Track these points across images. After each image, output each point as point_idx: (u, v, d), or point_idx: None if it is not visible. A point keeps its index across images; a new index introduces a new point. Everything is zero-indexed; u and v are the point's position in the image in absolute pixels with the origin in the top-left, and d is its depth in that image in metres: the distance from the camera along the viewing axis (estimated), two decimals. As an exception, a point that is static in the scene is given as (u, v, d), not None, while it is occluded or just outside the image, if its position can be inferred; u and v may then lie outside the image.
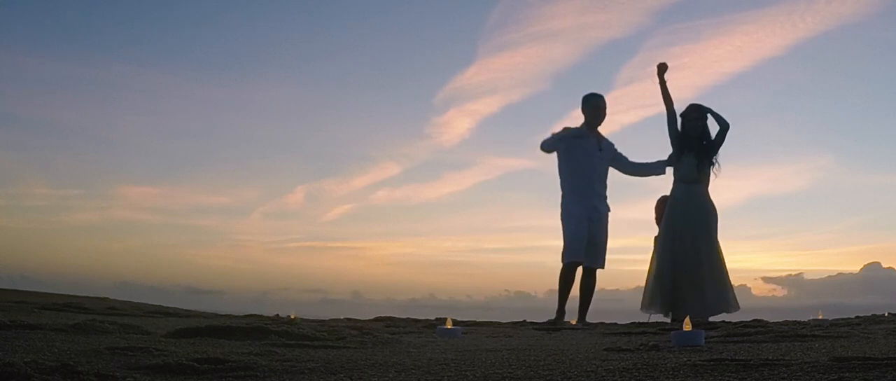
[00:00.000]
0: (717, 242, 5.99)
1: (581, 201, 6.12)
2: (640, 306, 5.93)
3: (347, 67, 13.56)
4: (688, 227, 5.87)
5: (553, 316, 5.81)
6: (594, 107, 6.32)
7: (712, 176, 6.13)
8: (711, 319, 5.36)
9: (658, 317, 5.67)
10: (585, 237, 6.03)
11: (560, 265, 6.13)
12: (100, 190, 13.82)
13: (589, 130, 6.24)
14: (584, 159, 6.22)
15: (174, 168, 14.10)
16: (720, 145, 6.11)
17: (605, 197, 6.37)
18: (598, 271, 6.17)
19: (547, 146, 6.19)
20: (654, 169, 6.39)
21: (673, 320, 5.50)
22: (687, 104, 6.24)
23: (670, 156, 6.27)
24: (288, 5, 13.17)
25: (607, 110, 6.45)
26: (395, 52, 13.33)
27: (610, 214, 6.32)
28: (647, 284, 6.00)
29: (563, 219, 6.17)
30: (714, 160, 6.12)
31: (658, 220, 6.14)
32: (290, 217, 14.19)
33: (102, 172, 13.80)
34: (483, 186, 13.74)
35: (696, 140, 6.05)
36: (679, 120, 6.15)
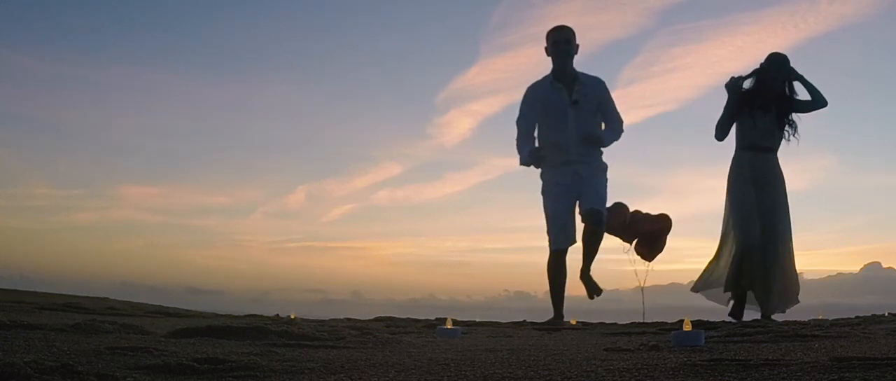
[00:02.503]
0: (790, 224, 5.11)
1: (557, 171, 5.05)
2: (695, 286, 5.19)
3: (349, 67, 13.60)
4: (769, 205, 4.97)
5: (552, 316, 5.07)
6: (554, 43, 5.03)
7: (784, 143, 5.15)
8: (782, 315, 4.83)
9: (717, 298, 5.03)
10: (570, 216, 5.03)
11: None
12: (100, 190, 13.85)
13: (556, 79, 5.02)
14: (553, 120, 5.04)
15: (174, 168, 14.14)
16: (803, 112, 5.08)
17: (594, 160, 5.08)
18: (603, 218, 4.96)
19: (523, 161, 5.08)
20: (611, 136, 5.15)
21: (735, 310, 4.90)
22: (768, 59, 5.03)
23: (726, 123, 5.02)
24: (289, 5, 13.20)
25: (576, 42, 5.05)
26: (397, 52, 13.35)
27: (607, 171, 5.10)
28: (712, 265, 5.15)
29: (542, 196, 5.14)
30: (794, 123, 5.10)
31: (623, 233, 5.24)
32: (291, 217, 14.22)
33: (103, 173, 13.83)
34: (484, 187, 13.77)
35: (777, 97, 5.03)
36: (749, 78, 5.04)
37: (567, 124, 5.01)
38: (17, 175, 14.09)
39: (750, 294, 4.99)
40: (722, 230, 5.21)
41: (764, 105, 5.03)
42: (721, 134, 5.12)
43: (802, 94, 5.09)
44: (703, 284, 5.20)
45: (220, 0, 13.42)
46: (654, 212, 5.44)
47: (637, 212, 5.36)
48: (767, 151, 5.04)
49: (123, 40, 13.60)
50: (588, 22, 11.89)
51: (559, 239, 5.01)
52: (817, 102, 5.05)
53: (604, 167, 5.17)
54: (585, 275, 5.07)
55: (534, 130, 5.17)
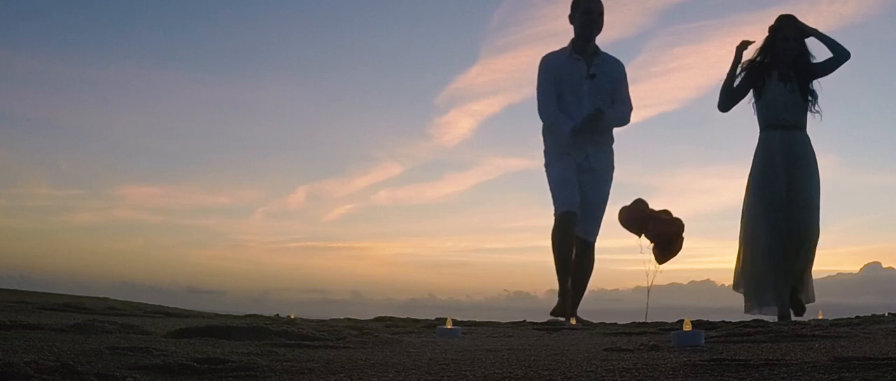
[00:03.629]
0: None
1: (567, 146, 4.63)
2: (734, 285, 4.76)
3: (349, 67, 13.60)
4: (795, 191, 4.47)
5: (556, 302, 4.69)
6: (584, 12, 4.69)
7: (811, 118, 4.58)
8: (795, 318, 4.41)
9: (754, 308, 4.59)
10: (574, 177, 4.58)
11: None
12: (100, 190, 13.85)
13: (577, 50, 4.67)
14: (568, 93, 4.68)
15: (175, 168, 14.14)
16: (826, 75, 4.55)
17: (608, 145, 4.75)
18: (595, 247, 4.69)
19: (563, 138, 4.60)
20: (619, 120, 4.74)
21: (791, 308, 4.46)
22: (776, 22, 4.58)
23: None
24: (289, 5, 13.20)
25: (604, 19, 4.72)
26: (398, 52, 13.35)
27: (613, 172, 4.74)
28: (738, 266, 4.73)
29: (546, 169, 4.74)
30: (815, 92, 4.58)
31: (637, 229, 4.93)
32: (291, 217, 14.22)
33: (103, 173, 13.83)
34: (484, 187, 13.77)
35: (793, 64, 4.51)
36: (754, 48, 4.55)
37: (582, 99, 4.65)
38: (17, 175, 14.10)
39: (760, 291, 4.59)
40: (741, 224, 4.75)
41: (782, 74, 4.53)
42: (723, 101, 4.67)
43: (820, 54, 4.59)
44: (738, 281, 4.78)
45: (220, 0, 13.41)
46: (666, 214, 5.20)
47: (652, 211, 5.13)
48: (795, 127, 4.52)
49: (123, 40, 13.61)
50: (589, 22, 11.88)
51: (568, 200, 4.56)
52: (839, 54, 4.52)
53: (612, 164, 4.79)
54: (573, 315, 4.68)
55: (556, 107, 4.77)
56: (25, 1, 12.43)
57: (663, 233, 5.01)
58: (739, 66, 4.66)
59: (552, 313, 4.83)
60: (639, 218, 5.06)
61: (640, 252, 5.11)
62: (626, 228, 5.07)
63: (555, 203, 4.67)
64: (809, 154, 4.58)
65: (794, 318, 4.51)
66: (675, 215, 5.16)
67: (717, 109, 4.76)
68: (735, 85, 4.67)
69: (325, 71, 14.01)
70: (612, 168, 4.82)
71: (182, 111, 14.23)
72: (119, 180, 14.43)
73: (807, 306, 4.60)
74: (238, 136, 14.39)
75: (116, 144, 14.30)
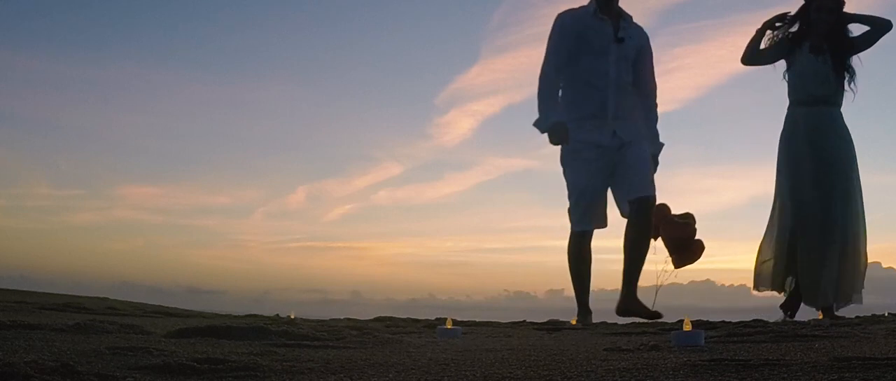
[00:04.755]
0: (861, 198, 4.19)
1: (591, 129, 3.93)
2: (752, 285, 4.42)
3: (349, 67, 13.56)
4: (822, 173, 4.13)
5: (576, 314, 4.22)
6: None
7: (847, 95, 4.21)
8: (837, 312, 4.16)
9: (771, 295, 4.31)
10: (602, 190, 3.96)
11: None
12: (100, 190, 13.83)
13: (602, 9, 3.99)
14: (592, 57, 3.97)
15: (175, 168, 14.10)
16: (868, 47, 4.19)
17: (639, 122, 4.06)
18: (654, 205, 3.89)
19: (544, 128, 3.96)
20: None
21: (788, 302, 4.24)
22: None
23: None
24: (289, 5, 13.17)
25: None
26: (398, 52, 13.32)
27: (655, 152, 4.03)
28: (759, 254, 4.41)
29: (562, 165, 4.07)
30: (853, 68, 4.22)
31: (667, 242, 4.14)
32: (291, 217, 14.19)
33: (103, 173, 13.81)
34: (484, 187, 13.74)
35: (826, 37, 4.17)
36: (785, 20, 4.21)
37: (608, 65, 3.96)
38: (17, 175, 14.08)
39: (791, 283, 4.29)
40: (771, 207, 4.40)
41: (815, 45, 4.17)
42: (746, 54, 4.31)
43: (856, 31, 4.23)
44: (759, 278, 4.42)
45: (220, 0, 13.40)
46: (683, 218, 4.84)
47: (667, 215, 4.89)
48: (826, 102, 4.15)
49: (123, 40, 13.56)
50: (589, 22, 11.87)
51: (585, 218, 3.98)
52: (880, 26, 4.15)
53: (643, 132, 4.11)
54: (632, 299, 3.94)
55: (561, 75, 4.07)
56: (25, 1, 12.42)
57: (673, 237, 4.82)
58: (772, 31, 4.31)
59: (576, 322, 4.37)
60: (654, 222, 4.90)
61: (653, 253, 4.90)
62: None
63: (571, 215, 4.10)
64: (840, 132, 4.17)
65: (790, 318, 4.33)
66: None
67: (740, 62, 4.43)
68: (762, 47, 4.32)
69: (325, 71, 13.98)
70: (643, 137, 4.10)
71: (182, 111, 14.19)
72: (119, 180, 14.41)
73: (852, 305, 4.28)
74: (238, 136, 14.36)
75: (116, 144, 14.27)
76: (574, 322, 4.91)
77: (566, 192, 4.11)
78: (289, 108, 13.94)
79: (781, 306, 4.41)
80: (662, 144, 4.14)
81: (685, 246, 4.73)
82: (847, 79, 4.23)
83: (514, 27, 12.53)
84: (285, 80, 13.58)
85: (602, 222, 4.13)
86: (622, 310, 3.96)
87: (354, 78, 13.75)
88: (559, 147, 4.05)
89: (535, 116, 4.05)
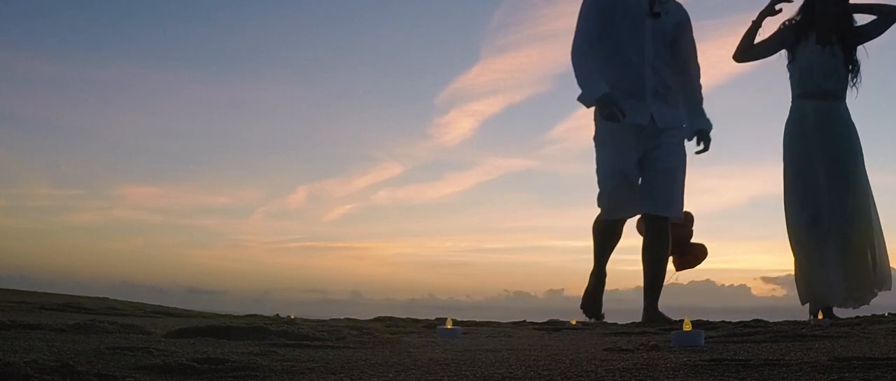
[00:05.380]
0: (872, 195, 4.01)
1: (628, 108, 3.69)
2: (800, 301, 4.11)
3: (349, 67, 13.58)
4: (833, 168, 3.95)
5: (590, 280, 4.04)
6: None
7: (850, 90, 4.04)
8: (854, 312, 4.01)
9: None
10: (632, 171, 3.73)
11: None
12: (100, 190, 13.85)
13: None
14: (626, 32, 3.77)
15: (175, 168, 14.13)
16: (876, 36, 4.01)
17: (679, 107, 3.84)
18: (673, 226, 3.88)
19: (592, 101, 3.68)
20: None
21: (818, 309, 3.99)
22: None
23: None
24: (289, 5, 13.19)
25: None
26: (398, 52, 13.34)
27: (705, 128, 3.81)
28: (796, 271, 4.12)
29: (595, 146, 3.85)
30: (858, 63, 4.05)
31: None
32: (291, 217, 14.21)
33: (103, 173, 13.83)
34: (484, 187, 13.76)
35: (836, 23, 3.97)
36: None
37: (643, 42, 3.73)
38: (17, 175, 14.09)
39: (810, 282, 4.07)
40: (787, 211, 4.13)
41: (822, 35, 3.99)
42: (738, 51, 4.12)
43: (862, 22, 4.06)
44: (804, 292, 4.11)
45: (220, 0, 13.40)
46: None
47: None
48: (834, 96, 3.98)
49: (123, 40, 13.59)
50: (589, 22, 11.88)
51: (616, 205, 3.76)
52: (889, 14, 3.96)
53: (682, 120, 3.87)
54: (654, 312, 3.90)
55: (593, 50, 3.82)
56: (25, 1, 12.42)
57: (673, 238, 4.73)
58: (772, 16, 4.10)
59: (582, 307, 4.23)
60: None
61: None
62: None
63: (599, 201, 3.85)
64: (849, 127, 4.03)
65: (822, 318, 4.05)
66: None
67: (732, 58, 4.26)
68: (759, 40, 4.13)
69: (325, 71, 14.00)
70: (683, 127, 3.90)
71: (182, 111, 14.21)
72: (119, 180, 14.43)
73: (879, 293, 4.14)
74: (238, 136, 14.38)
75: (116, 144, 14.29)
76: (574, 322, 4.92)
77: (596, 176, 3.85)
78: (289, 108, 13.96)
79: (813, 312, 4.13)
80: (711, 124, 3.89)
81: (684, 247, 4.70)
82: (853, 76, 4.09)
83: (514, 27, 12.55)
84: (285, 80, 13.60)
85: (634, 210, 3.87)
86: (646, 322, 3.87)
87: (354, 78, 13.77)
88: (587, 133, 3.92)
89: (555, 103, 4.19)
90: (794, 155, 4.08)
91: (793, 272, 4.29)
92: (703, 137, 3.88)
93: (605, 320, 4.69)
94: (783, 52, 4.28)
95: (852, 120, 4.11)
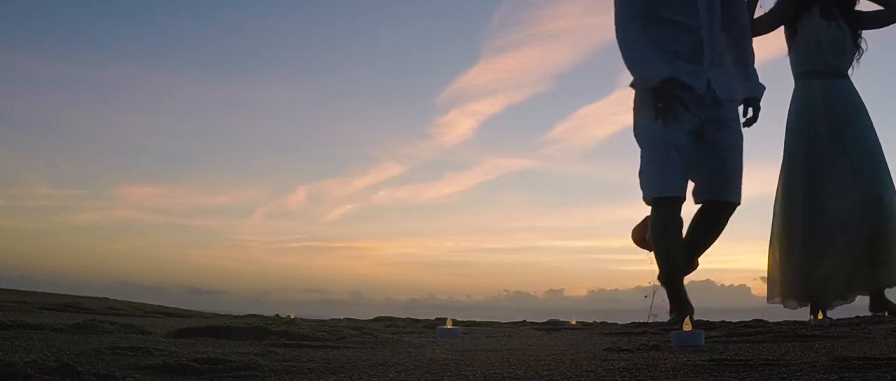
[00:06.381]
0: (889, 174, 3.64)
1: (684, 72, 3.32)
2: (766, 297, 3.96)
3: (349, 67, 13.58)
4: (858, 150, 3.64)
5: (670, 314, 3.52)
6: None
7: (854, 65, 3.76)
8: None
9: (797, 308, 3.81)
10: (688, 140, 3.29)
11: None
12: (100, 190, 13.85)
13: None
14: (675, 3, 3.35)
15: (175, 168, 14.13)
16: (876, 27, 3.74)
17: (733, 74, 3.48)
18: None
19: (652, 84, 3.26)
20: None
21: (816, 309, 3.71)
22: None
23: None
24: (289, 5, 13.18)
25: None
26: (398, 52, 13.33)
27: (757, 95, 3.43)
28: (770, 261, 3.92)
29: (636, 131, 3.41)
30: (864, 41, 3.78)
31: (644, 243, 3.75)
32: (292, 217, 14.21)
33: (103, 173, 13.83)
34: (484, 187, 13.76)
35: (838, 3, 3.72)
36: None
37: (695, 11, 3.33)
38: (17, 175, 14.09)
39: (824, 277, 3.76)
40: (775, 208, 3.83)
41: (825, 10, 3.72)
42: None
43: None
44: (774, 290, 3.91)
45: (220, 0, 13.40)
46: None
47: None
48: (839, 74, 3.69)
49: (123, 40, 13.58)
50: (590, 23, 11.86)
51: (665, 182, 3.28)
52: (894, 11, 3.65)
53: (738, 91, 3.48)
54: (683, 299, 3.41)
55: (639, 21, 3.37)
56: (25, 1, 12.42)
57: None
58: None
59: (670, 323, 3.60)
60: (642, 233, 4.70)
61: (650, 263, 4.68)
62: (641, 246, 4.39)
63: (641, 179, 3.35)
64: (862, 107, 3.72)
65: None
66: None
67: None
68: (755, 17, 3.80)
69: (325, 71, 13.99)
70: (740, 98, 3.48)
71: (182, 111, 14.21)
72: (119, 180, 14.42)
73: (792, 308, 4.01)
74: (238, 136, 14.38)
75: (116, 144, 14.29)
76: (574, 322, 4.91)
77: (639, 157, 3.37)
78: (289, 108, 13.96)
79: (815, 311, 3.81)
80: (763, 88, 3.53)
81: None
82: (859, 55, 3.80)
83: (515, 27, 12.54)
84: (285, 80, 13.60)
85: (683, 190, 3.41)
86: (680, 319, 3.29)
87: (354, 78, 13.77)
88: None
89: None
90: (801, 138, 3.72)
91: (767, 268, 4.05)
92: (753, 105, 3.48)
93: (604, 321, 4.63)
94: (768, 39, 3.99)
95: (860, 98, 3.79)
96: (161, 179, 14.42)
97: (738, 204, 3.49)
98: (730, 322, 4.41)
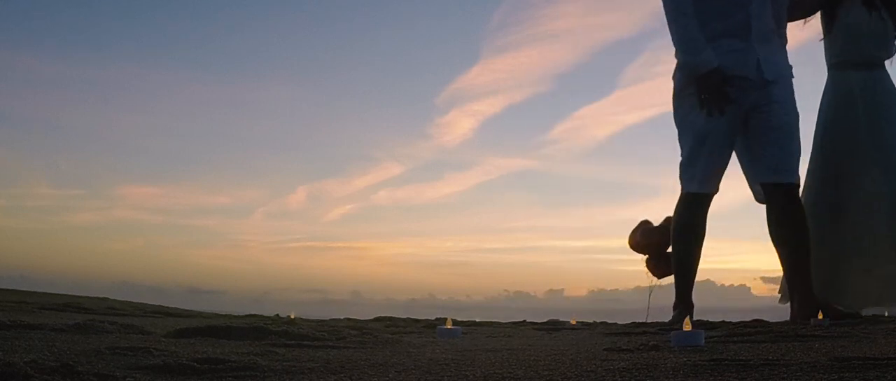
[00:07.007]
0: None
1: (730, 53, 3.22)
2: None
3: (349, 67, 13.58)
4: (876, 150, 3.48)
5: (671, 315, 3.60)
6: None
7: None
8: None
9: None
10: (726, 132, 3.21)
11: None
12: (100, 190, 13.85)
13: None
14: None
15: (175, 168, 14.13)
16: None
17: (783, 54, 3.33)
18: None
19: (699, 68, 3.14)
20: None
21: (832, 312, 3.46)
22: None
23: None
24: (289, 5, 13.18)
25: None
26: (398, 52, 13.34)
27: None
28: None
29: (676, 117, 3.31)
30: None
31: (643, 248, 3.87)
32: (291, 217, 14.21)
33: (103, 173, 13.83)
34: (484, 187, 13.77)
35: None
36: None
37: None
38: (17, 175, 14.09)
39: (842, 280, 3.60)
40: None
41: None
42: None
43: None
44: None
45: (220, 0, 13.39)
46: (658, 219, 4.34)
47: (648, 226, 4.38)
48: (879, 66, 3.56)
49: (123, 40, 13.58)
50: (590, 22, 11.89)
51: (702, 174, 3.22)
52: None
53: (790, 67, 3.31)
54: (811, 301, 3.34)
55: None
56: (25, 1, 12.42)
57: (649, 244, 4.56)
58: None
59: (671, 323, 3.62)
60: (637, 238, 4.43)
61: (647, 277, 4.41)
62: (636, 250, 4.40)
63: (683, 172, 3.30)
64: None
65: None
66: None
67: None
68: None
69: (325, 71, 13.99)
70: (791, 74, 3.35)
71: (182, 111, 14.21)
72: (119, 180, 14.42)
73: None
74: (238, 136, 14.38)
75: (116, 144, 14.29)
76: (574, 322, 4.91)
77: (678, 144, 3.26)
78: (289, 108, 13.96)
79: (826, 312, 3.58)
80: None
81: (662, 250, 4.55)
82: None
83: (515, 27, 12.55)
84: (285, 80, 13.60)
85: (717, 185, 3.32)
86: (803, 317, 3.41)
87: (354, 78, 13.77)
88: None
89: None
90: (836, 130, 3.58)
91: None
92: None
93: (604, 321, 4.64)
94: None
95: None
96: (161, 179, 14.43)
97: (795, 184, 3.32)
98: (730, 322, 4.40)
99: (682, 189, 3.39)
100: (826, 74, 3.90)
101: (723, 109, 3.17)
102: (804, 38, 3.85)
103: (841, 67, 3.70)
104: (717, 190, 3.39)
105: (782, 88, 3.30)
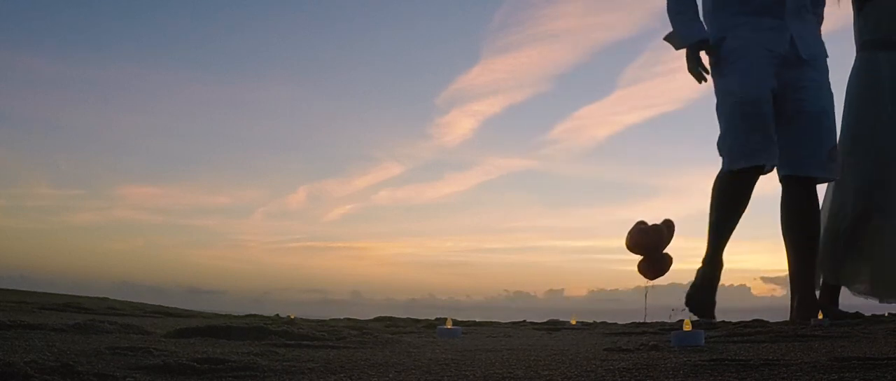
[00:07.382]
0: None
1: (764, 29, 3.10)
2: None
3: (349, 67, 13.58)
4: None
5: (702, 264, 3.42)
6: None
7: None
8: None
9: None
10: (767, 100, 3.00)
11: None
12: (100, 190, 13.85)
13: None
14: None
15: (175, 168, 14.13)
16: None
17: (817, 28, 3.23)
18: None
19: (685, 43, 3.16)
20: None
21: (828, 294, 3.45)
22: None
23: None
24: (289, 5, 13.18)
25: None
26: (398, 52, 13.33)
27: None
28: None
29: (719, 67, 3.13)
30: None
31: (636, 249, 3.77)
32: (291, 217, 14.21)
33: (103, 173, 13.83)
34: (484, 187, 13.77)
35: None
36: None
37: None
38: (17, 175, 14.09)
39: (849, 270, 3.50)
40: (833, 192, 3.49)
41: None
42: None
43: None
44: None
45: (220, 0, 13.39)
46: (657, 220, 4.53)
47: (640, 226, 4.24)
48: None
49: (123, 40, 13.57)
50: (590, 22, 11.88)
51: (747, 146, 2.98)
52: None
53: (825, 53, 3.19)
54: (812, 302, 3.25)
55: None
56: (25, 1, 12.42)
57: (640, 244, 4.45)
58: None
59: (688, 303, 3.56)
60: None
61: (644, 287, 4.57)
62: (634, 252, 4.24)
63: (720, 146, 3.07)
64: None
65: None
66: (673, 218, 4.61)
67: None
68: None
69: (325, 71, 13.99)
70: (826, 53, 3.22)
71: (182, 111, 14.20)
72: (119, 180, 14.42)
73: None
74: (238, 136, 14.38)
75: (116, 144, 14.29)
76: (574, 322, 4.91)
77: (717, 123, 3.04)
78: (289, 108, 13.96)
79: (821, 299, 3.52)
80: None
81: (651, 254, 4.45)
82: None
83: (515, 27, 12.54)
84: (285, 80, 13.59)
85: (772, 156, 3.04)
86: (805, 316, 3.29)
87: (354, 78, 13.76)
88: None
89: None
90: (861, 115, 3.40)
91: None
92: None
93: (604, 321, 4.63)
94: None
95: None
96: (161, 179, 14.42)
97: (828, 178, 3.15)
98: (730, 322, 4.40)
99: (730, 164, 3.13)
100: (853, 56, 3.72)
101: (701, 75, 3.07)
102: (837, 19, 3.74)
103: (868, 49, 3.54)
104: (773, 161, 3.12)
105: (816, 71, 3.16)
